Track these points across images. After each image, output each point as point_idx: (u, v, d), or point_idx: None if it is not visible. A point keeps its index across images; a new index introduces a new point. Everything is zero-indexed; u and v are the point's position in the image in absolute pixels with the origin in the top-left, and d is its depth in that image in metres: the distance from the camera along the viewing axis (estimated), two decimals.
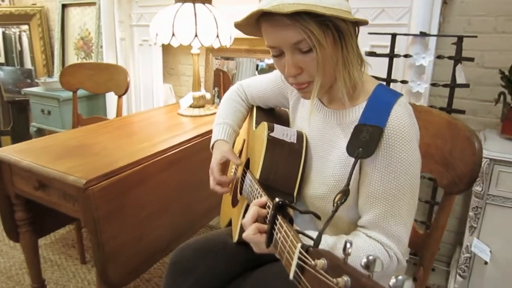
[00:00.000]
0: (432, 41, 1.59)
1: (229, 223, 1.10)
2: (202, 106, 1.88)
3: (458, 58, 1.44)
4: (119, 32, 2.42)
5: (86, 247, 1.99)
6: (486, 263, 1.43)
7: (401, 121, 0.72)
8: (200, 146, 1.51)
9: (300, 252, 0.51)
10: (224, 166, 1.02)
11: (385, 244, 0.73)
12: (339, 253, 0.67)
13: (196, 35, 1.61)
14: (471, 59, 1.43)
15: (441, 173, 0.93)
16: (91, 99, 2.64)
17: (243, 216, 0.92)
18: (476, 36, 1.46)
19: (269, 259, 0.96)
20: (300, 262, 0.50)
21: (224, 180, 0.97)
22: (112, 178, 1.14)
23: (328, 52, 0.71)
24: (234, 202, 1.06)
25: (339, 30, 0.72)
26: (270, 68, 2.17)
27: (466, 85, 1.46)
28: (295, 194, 0.84)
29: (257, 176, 0.85)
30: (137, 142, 1.42)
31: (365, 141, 0.72)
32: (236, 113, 1.11)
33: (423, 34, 1.49)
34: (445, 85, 1.49)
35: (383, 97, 0.76)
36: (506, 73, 1.49)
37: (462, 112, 1.48)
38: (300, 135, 0.89)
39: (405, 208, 0.74)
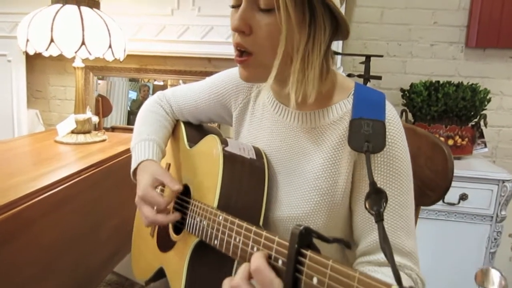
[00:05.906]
0: (338, 60, 1.62)
1: (157, 276, 0.84)
2: (88, 132, 1.54)
3: (367, 77, 1.47)
4: None
5: None
6: None
7: (396, 117, 0.65)
8: (94, 180, 1.19)
9: None
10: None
11: (404, 266, 0.60)
12: None
13: (83, 43, 1.31)
14: (379, 77, 1.48)
15: None
16: None
17: (191, 260, 0.69)
18: (382, 56, 1.53)
19: None
20: None
21: (165, 201, 0.70)
22: None
23: (291, 29, 0.56)
24: (165, 245, 0.81)
25: (314, 15, 0.57)
26: (143, 98, 1.91)
27: None
28: (261, 221, 0.67)
29: (214, 204, 0.64)
30: (5, 176, 1.03)
31: (369, 135, 0.60)
32: (161, 129, 0.87)
33: (335, 53, 1.48)
34: None
35: (370, 92, 0.67)
36: (406, 92, 1.59)
37: None
38: (257, 150, 0.73)
39: (411, 216, 0.64)
